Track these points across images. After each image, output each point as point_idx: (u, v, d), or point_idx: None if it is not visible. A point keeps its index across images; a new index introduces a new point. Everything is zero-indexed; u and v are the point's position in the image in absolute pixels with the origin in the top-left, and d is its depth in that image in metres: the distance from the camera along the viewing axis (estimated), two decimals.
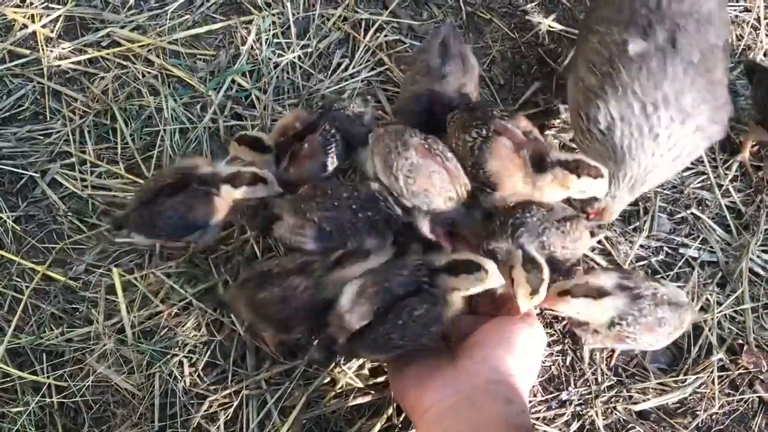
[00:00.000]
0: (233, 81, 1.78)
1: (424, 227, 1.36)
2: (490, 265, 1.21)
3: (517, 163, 1.33)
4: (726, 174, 1.69)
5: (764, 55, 1.83)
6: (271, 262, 1.32)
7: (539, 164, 1.33)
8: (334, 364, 1.47)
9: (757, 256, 1.60)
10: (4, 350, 1.51)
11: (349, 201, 1.36)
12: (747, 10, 1.89)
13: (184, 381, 1.48)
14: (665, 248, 1.63)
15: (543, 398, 1.47)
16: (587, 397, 1.47)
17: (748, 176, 1.70)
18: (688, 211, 1.66)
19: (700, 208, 1.68)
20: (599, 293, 1.29)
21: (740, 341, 1.51)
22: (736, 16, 1.88)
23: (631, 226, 1.64)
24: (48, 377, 1.49)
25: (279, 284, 1.27)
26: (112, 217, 1.51)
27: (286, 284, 1.26)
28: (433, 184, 1.34)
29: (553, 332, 1.52)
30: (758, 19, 1.87)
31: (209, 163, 1.47)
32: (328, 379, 1.47)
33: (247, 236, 1.59)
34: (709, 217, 1.66)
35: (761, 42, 1.84)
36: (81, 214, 1.64)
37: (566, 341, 1.51)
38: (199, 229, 1.44)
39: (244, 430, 1.45)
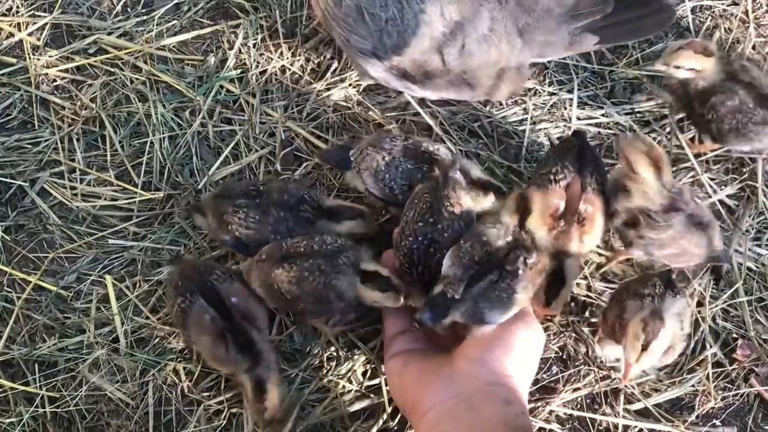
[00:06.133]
0: (222, 86, 1.77)
1: None
2: None
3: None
4: (716, 169, 1.69)
5: (753, 48, 1.83)
6: (296, 242, 1.35)
7: None
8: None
9: (749, 250, 1.60)
10: None
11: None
12: (735, 3, 1.89)
13: (181, 388, 1.47)
14: None
15: (540, 396, 1.46)
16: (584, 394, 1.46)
17: None
18: None
19: None
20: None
21: (734, 335, 1.51)
22: (724, 10, 1.87)
23: None
24: (40, 388, 1.48)
25: (297, 264, 1.30)
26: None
27: (306, 265, 1.30)
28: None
29: (551, 328, 1.51)
30: (746, 13, 1.87)
31: None
32: (324, 382, 1.46)
33: None
34: None
35: (750, 35, 1.84)
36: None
37: (563, 335, 1.51)
38: None
39: None
